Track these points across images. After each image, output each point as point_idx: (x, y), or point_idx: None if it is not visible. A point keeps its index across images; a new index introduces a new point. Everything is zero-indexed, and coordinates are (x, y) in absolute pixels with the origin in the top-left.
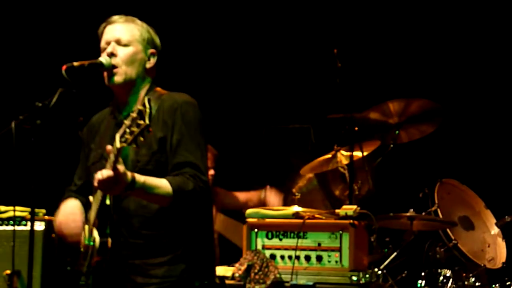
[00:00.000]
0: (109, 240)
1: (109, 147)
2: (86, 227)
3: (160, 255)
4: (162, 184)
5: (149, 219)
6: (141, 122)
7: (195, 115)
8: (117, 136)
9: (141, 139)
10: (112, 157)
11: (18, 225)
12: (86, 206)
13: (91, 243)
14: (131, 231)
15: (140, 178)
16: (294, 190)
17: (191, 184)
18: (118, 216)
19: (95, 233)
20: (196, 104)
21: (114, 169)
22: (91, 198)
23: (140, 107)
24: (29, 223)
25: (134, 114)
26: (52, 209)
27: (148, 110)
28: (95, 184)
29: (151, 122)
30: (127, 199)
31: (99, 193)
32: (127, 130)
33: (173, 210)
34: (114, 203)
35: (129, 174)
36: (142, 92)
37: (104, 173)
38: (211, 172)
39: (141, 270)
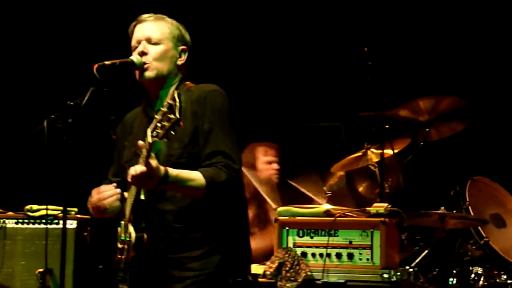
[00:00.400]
0: (145, 235)
1: (140, 142)
2: (122, 222)
3: (196, 248)
4: (195, 176)
5: (184, 212)
6: (172, 116)
7: (223, 103)
8: (149, 131)
9: (172, 133)
10: (144, 152)
11: (50, 223)
12: (122, 201)
13: (127, 238)
14: (166, 225)
15: (173, 171)
16: (325, 188)
17: (223, 174)
18: (153, 211)
19: (131, 229)
20: (224, 93)
21: (147, 164)
22: (126, 194)
23: (170, 101)
24: (61, 221)
25: (164, 109)
26: (84, 208)
27: (178, 104)
28: (129, 179)
29: (181, 116)
30: (161, 194)
31: (133, 189)
32: (158, 125)
33: (207, 202)
34: (149, 198)
35: (162, 168)
36: (173, 88)
37: (137, 169)
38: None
39: (177, 263)
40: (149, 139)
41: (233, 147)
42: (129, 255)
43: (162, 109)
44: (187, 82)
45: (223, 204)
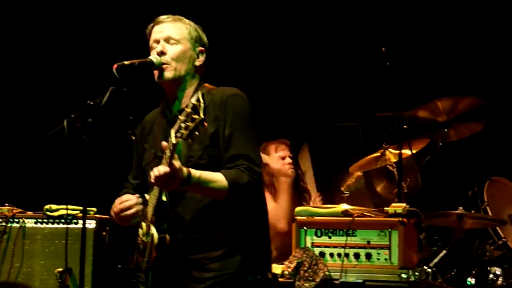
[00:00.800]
0: (167, 236)
1: (164, 143)
2: (144, 224)
3: (216, 248)
4: (218, 178)
5: (205, 213)
6: (196, 116)
7: (245, 107)
8: (172, 132)
9: (197, 133)
10: (167, 153)
11: (69, 223)
12: (143, 203)
13: (149, 239)
14: (187, 226)
15: (195, 173)
16: (342, 188)
17: (245, 176)
18: (175, 212)
19: (153, 230)
20: (245, 97)
21: (170, 164)
22: (147, 196)
23: (194, 102)
24: (80, 221)
25: (188, 109)
26: (102, 208)
27: (202, 105)
28: (152, 180)
29: (205, 116)
30: (182, 195)
31: (155, 190)
32: (182, 125)
33: (228, 203)
34: (171, 199)
35: (184, 169)
36: (191, 89)
37: (160, 169)
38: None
39: (198, 264)
40: (173, 140)
41: (255, 150)
42: (151, 256)
43: (186, 109)
44: (206, 84)
45: (244, 205)
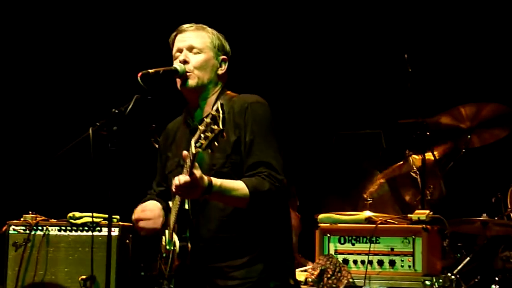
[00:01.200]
0: (189, 244)
1: (185, 152)
2: (167, 231)
3: (239, 257)
4: (239, 186)
5: (227, 221)
6: (215, 127)
7: (265, 114)
8: (192, 142)
9: (215, 144)
10: (188, 162)
11: (93, 231)
12: (166, 211)
13: (172, 247)
14: (210, 235)
15: (216, 181)
16: (365, 196)
17: (267, 184)
18: (197, 220)
19: (175, 238)
20: (266, 104)
21: (191, 174)
22: (170, 203)
23: (213, 112)
24: (103, 229)
25: (208, 120)
26: (125, 216)
27: (221, 115)
28: (173, 189)
29: (224, 126)
30: (204, 203)
31: (177, 198)
32: (202, 136)
33: (250, 211)
34: (193, 208)
35: (205, 178)
36: (213, 97)
37: (181, 179)
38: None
39: (221, 273)
40: (193, 150)
41: (276, 157)
42: (174, 264)
43: (206, 120)
44: (228, 92)
45: (266, 213)
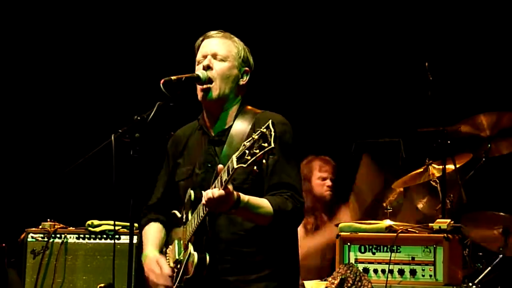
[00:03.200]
0: (207, 256)
1: (220, 166)
2: (176, 242)
3: (253, 272)
4: (264, 204)
5: (243, 236)
6: (265, 145)
7: (289, 136)
8: (234, 157)
9: (264, 162)
10: (224, 176)
11: (111, 239)
12: (168, 223)
13: (185, 258)
14: (225, 248)
15: (244, 197)
16: (385, 204)
17: (290, 204)
18: (213, 233)
19: (191, 248)
20: (289, 125)
21: (225, 188)
22: (177, 213)
23: (263, 130)
24: (122, 237)
25: (255, 136)
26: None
27: (273, 134)
28: (204, 201)
29: (276, 145)
30: (222, 217)
31: (200, 210)
32: (247, 151)
33: (267, 229)
34: (210, 220)
35: (235, 193)
36: (234, 109)
37: (215, 193)
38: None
39: (232, 286)
40: (235, 165)
41: (298, 180)
42: (184, 275)
43: (253, 136)
44: (248, 106)
45: (283, 232)
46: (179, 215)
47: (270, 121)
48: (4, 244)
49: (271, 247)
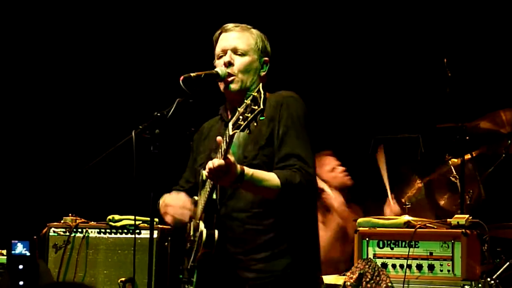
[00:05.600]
0: (216, 232)
1: (219, 138)
2: (192, 222)
3: (265, 249)
4: (270, 177)
5: (255, 214)
6: (255, 107)
7: (300, 108)
8: (230, 124)
9: (255, 124)
10: (223, 145)
11: (132, 233)
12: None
13: (197, 237)
14: (236, 226)
15: (248, 171)
16: (403, 200)
17: (298, 177)
18: (225, 211)
19: (202, 226)
20: (300, 99)
21: (225, 158)
22: (196, 198)
23: (254, 93)
24: (142, 231)
25: (248, 101)
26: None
27: (262, 96)
28: (206, 173)
29: (265, 106)
30: (233, 194)
31: (207, 186)
32: (240, 117)
33: (278, 204)
34: (220, 198)
35: (238, 166)
36: None
37: (215, 162)
38: (341, 168)
39: (245, 264)
40: (230, 131)
41: (308, 151)
42: (197, 254)
43: (245, 101)
44: (267, 94)
45: (295, 207)
46: (196, 199)
47: (260, 85)
48: (35, 237)
49: (285, 224)
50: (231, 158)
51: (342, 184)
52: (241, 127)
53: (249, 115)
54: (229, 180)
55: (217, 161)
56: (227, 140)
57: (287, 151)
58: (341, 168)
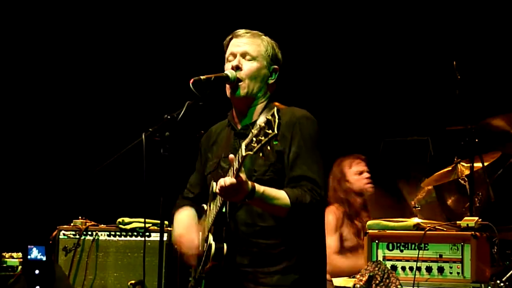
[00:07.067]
0: (225, 246)
1: (231, 156)
2: (201, 233)
3: (273, 264)
4: (281, 195)
5: (264, 228)
6: (269, 131)
7: (313, 130)
8: (243, 145)
9: (268, 148)
10: (235, 164)
11: (142, 236)
12: (200, 214)
13: (206, 248)
14: (245, 239)
15: (260, 187)
16: (413, 202)
17: (308, 197)
18: (234, 224)
19: (211, 239)
20: (315, 120)
21: (237, 176)
22: (205, 206)
23: (268, 116)
24: (152, 234)
25: (262, 124)
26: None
27: (277, 120)
28: (217, 190)
29: (279, 132)
30: (242, 208)
31: (218, 200)
32: (254, 139)
33: (288, 221)
34: (230, 211)
35: (249, 183)
36: (261, 106)
37: (226, 181)
38: (367, 175)
39: (253, 278)
40: (243, 152)
41: (320, 174)
42: (206, 265)
43: (259, 124)
44: (276, 103)
45: (305, 224)
46: (206, 207)
47: (275, 109)
48: (51, 241)
49: (293, 240)
50: (243, 176)
51: (362, 190)
52: (254, 150)
53: (262, 138)
54: (239, 197)
55: (228, 180)
56: (240, 160)
57: (299, 173)
58: (367, 175)
